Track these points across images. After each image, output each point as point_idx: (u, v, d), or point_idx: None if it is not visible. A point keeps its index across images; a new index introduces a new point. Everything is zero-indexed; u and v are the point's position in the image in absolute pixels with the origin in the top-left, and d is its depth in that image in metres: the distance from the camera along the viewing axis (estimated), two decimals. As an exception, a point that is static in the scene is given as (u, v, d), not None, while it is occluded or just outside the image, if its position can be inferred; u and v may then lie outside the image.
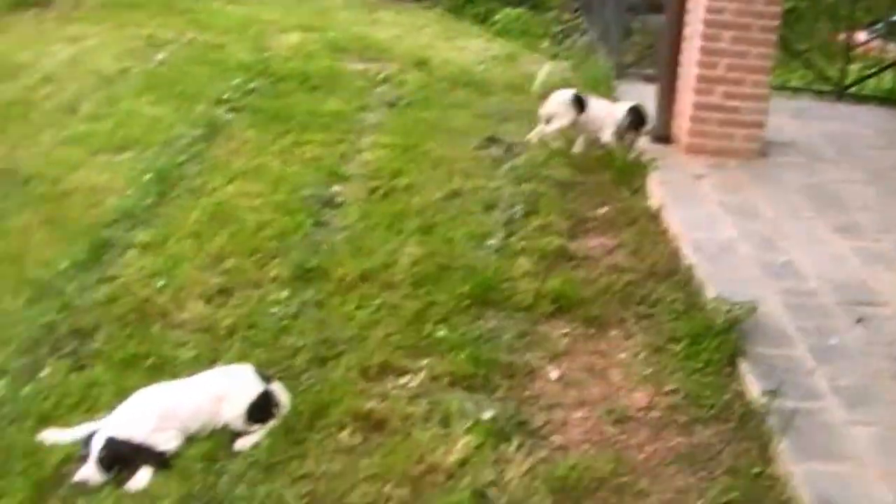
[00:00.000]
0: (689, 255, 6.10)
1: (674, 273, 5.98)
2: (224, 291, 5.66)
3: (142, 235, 6.37)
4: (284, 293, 5.62)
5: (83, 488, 4.02)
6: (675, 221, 6.63)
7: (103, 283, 5.75)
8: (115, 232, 6.44)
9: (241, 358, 4.86)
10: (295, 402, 4.53)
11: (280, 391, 4.49)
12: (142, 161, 7.78)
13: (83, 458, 4.09)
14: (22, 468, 4.14)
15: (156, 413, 4.24)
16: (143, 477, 4.05)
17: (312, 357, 4.97)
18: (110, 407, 4.46)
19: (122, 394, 4.54)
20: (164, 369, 4.80)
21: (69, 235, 6.39)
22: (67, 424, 4.41)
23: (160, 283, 5.68)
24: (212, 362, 4.87)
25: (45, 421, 4.45)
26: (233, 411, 4.31)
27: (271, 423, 4.35)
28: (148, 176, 7.35)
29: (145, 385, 4.58)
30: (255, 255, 6.10)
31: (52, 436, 4.24)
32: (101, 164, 7.79)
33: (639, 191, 7.32)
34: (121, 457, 4.06)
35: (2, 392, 4.69)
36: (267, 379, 4.52)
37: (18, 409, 4.55)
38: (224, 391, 4.38)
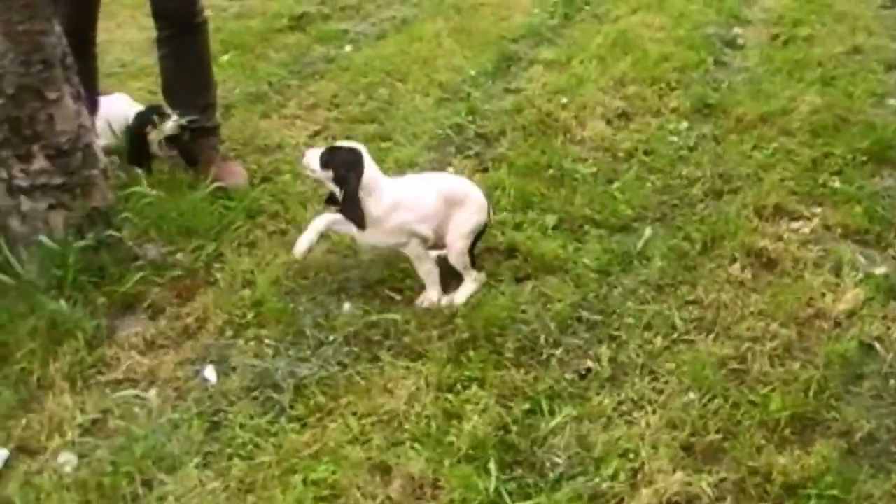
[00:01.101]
0: None
1: None
2: (624, 115, 5.70)
3: (546, 53, 6.53)
4: (683, 124, 5.58)
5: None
6: None
7: (509, 93, 5.96)
8: (521, 47, 6.66)
9: (638, 180, 4.88)
10: (688, 230, 4.52)
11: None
12: (548, -17, 7.89)
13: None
14: (426, 252, 4.37)
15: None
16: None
17: (708, 189, 4.92)
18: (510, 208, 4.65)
19: (522, 197, 4.69)
20: (563, 181, 4.90)
21: (477, 45, 6.65)
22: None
23: (563, 99, 5.79)
24: (609, 182, 4.92)
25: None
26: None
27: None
28: (554, -2, 7.46)
29: (546, 192, 4.71)
30: (656, 85, 6.08)
31: None
32: (510, -19, 7.96)
33: None
34: None
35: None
36: None
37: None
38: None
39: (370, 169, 4.00)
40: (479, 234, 4.16)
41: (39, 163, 4.10)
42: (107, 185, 4.33)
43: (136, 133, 4.91)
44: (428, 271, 4.10)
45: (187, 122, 4.90)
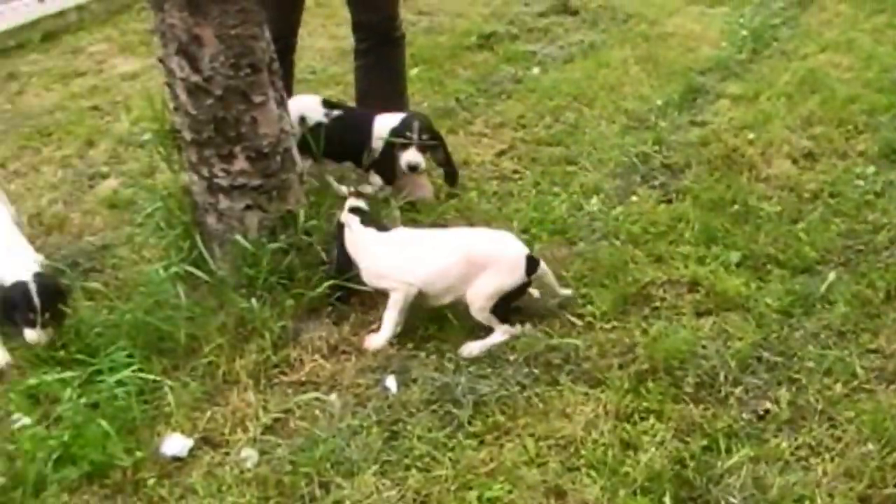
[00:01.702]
0: None
1: None
2: (810, 155, 5.62)
3: (733, 87, 6.50)
4: (870, 169, 5.47)
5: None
6: None
7: (695, 125, 5.96)
8: (707, 80, 6.64)
9: (823, 222, 4.84)
10: (872, 277, 4.45)
11: None
12: (736, 17, 7.88)
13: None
14: (607, 281, 4.41)
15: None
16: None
17: (894, 237, 4.82)
18: (693, 242, 4.67)
19: (706, 232, 4.71)
20: (747, 217, 4.89)
21: (663, 75, 6.67)
22: (653, 251, 4.64)
23: (749, 135, 5.76)
24: (793, 222, 4.89)
25: (634, 242, 4.72)
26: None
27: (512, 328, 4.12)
28: (743, 33, 7.45)
29: (730, 228, 4.73)
30: (843, 126, 5.98)
31: None
32: (697, 15, 8.02)
33: None
34: None
35: (597, 208, 5.02)
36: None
37: (609, 227, 4.85)
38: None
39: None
40: (516, 293, 4.08)
41: (240, 164, 4.26)
42: (301, 190, 4.47)
43: (388, 147, 4.88)
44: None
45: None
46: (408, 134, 4.76)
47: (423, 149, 4.75)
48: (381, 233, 4.21)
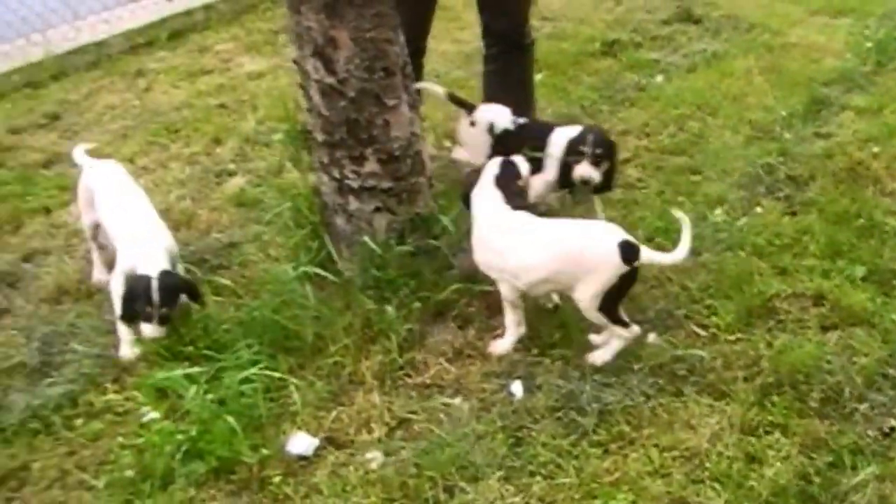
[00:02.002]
0: None
1: None
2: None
3: (858, 100, 6.40)
4: None
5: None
6: None
7: (819, 137, 5.88)
8: (831, 91, 6.54)
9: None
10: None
11: None
12: (860, 29, 7.74)
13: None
14: (732, 292, 4.39)
15: None
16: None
17: None
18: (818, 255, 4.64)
19: (831, 245, 4.68)
20: (872, 232, 4.82)
21: (787, 86, 6.59)
22: (777, 263, 4.61)
23: (875, 149, 5.66)
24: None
25: (758, 254, 4.69)
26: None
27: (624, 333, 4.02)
28: (868, 44, 7.31)
29: (855, 242, 4.70)
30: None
31: None
32: (820, 25, 7.88)
33: None
34: None
35: (721, 219, 5.00)
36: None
37: (734, 238, 4.82)
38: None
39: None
40: (622, 285, 3.91)
41: (371, 166, 4.32)
42: (430, 193, 4.52)
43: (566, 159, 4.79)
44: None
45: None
46: (582, 148, 4.68)
47: (596, 162, 4.70)
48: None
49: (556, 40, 7.58)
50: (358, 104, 4.23)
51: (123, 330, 4.27)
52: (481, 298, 4.32)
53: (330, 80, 4.20)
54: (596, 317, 3.94)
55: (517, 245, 4.01)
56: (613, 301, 3.91)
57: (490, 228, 4.08)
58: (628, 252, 3.83)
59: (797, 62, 7.04)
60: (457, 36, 7.63)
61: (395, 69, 4.27)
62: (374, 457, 3.61)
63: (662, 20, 7.95)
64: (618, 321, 3.96)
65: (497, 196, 4.12)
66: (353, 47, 4.15)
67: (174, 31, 8.31)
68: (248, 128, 6.44)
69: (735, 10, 8.12)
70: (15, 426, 3.92)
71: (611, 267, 3.83)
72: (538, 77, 6.36)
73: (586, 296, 3.89)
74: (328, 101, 4.25)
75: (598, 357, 3.99)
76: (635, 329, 4.01)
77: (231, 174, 5.87)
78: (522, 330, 4.11)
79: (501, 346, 4.08)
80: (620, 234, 3.88)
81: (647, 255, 3.89)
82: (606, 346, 4.02)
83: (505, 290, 4.06)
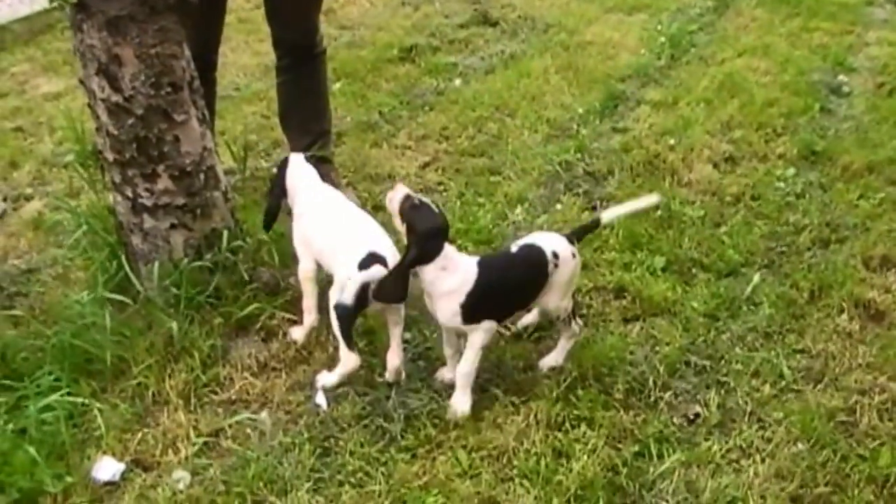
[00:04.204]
0: None
1: None
2: (730, 159, 5.71)
3: (653, 94, 6.58)
4: (790, 171, 5.57)
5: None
6: None
7: (616, 132, 6.03)
8: (627, 86, 6.72)
9: (746, 225, 4.90)
10: (796, 278, 4.52)
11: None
12: (654, 24, 7.99)
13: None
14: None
15: None
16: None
17: (815, 237, 4.90)
18: (618, 248, 4.71)
19: (631, 238, 4.77)
20: (671, 222, 4.94)
21: (584, 83, 6.73)
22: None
23: (671, 141, 5.83)
24: (716, 226, 4.95)
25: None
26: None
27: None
28: (661, 39, 7.55)
29: (654, 233, 4.81)
30: (763, 130, 6.09)
31: None
32: (615, 22, 8.12)
33: None
34: None
35: (521, 217, 5.05)
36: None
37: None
38: None
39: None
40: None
41: (164, 183, 4.20)
42: (227, 208, 4.43)
43: None
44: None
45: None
46: None
47: None
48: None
49: (355, 48, 7.58)
50: (146, 121, 4.10)
51: None
52: (283, 310, 4.24)
53: (116, 98, 4.07)
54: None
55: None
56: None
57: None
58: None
59: (593, 59, 7.20)
60: (256, 48, 7.55)
61: (182, 84, 4.17)
62: (182, 477, 3.50)
63: (460, 24, 8.04)
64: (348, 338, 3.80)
65: None
66: (138, 64, 4.03)
67: (-34, 54, 7.99)
68: (46, 150, 6.22)
69: (532, 11, 8.27)
70: None
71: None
72: (336, 86, 6.35)
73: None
74: (116, 119, 4.11)
75: (329, 379, 3.89)
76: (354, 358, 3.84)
77: (28, 198, 5.65)
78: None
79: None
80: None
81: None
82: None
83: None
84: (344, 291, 3.71)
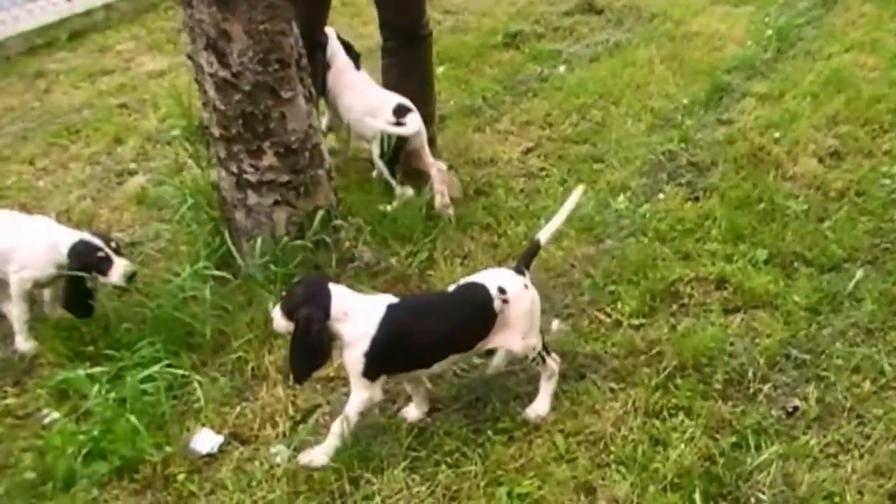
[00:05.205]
0: None
1: None
2: (836, 154, 5.62)
3: (759, 86, 6.52)
4: (896, 168, 5.49)
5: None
6: None
7: (721, 124, 6.00)
8: (733, 78, 6.66)
9: (850, 221, 4.84)
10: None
11: None
12: (761, 17, 7.89)
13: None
14: (635, 278, 4.44)
15: None
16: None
17: (915, 237, 4.84)
18: (720, 239, 4.70)
19: (733, 230, 4.74)
20: (774, 216, 4.90)
21: (689, 74, 6.69)
22: (680, 248, 4.67)
23: (775, 134, 5.77)
24: (820, 220, 4.90)
25: (661, 240, 4.75)
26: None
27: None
28: (768, 32, 7.45)
29: (756, 226, 4.79)
30: (869, 126, 5.97)
31: None
32: (722, 14, 8.03)
33: None
34: None
35: (624, 205, 5.05)
36: None
37: (636, 225, 4.89)
38: None
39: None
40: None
41: (269, 159, 4.28)
42: (330, 186, 4.49)
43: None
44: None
45: None
46: None
47: None
48: None
49: (459, 33, 7.62)
50: (253, 97, 4.18)
51: (18, 322, 4.18)
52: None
53: (224, 73, 4.15)
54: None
55: None
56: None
57: None
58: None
59: (699, 50, 7.15)
60: (360, 31, 7.58)
61: (289, 61, 4.23)
62: (279, 451, 3.57)
63: (564, 11, 8.03)
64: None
65: None
66: (247, 39, 4.10)
67: (74, 32, 8.18)
68: (150, 127, 6.36)
69: (637, 1, 8.25)
70: None
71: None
72: (440, 70, 6.38)
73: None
74: (223, 95, 4.19)
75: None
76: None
77: (132, 173, 5.79)
78: None
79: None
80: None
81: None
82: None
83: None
84: None
